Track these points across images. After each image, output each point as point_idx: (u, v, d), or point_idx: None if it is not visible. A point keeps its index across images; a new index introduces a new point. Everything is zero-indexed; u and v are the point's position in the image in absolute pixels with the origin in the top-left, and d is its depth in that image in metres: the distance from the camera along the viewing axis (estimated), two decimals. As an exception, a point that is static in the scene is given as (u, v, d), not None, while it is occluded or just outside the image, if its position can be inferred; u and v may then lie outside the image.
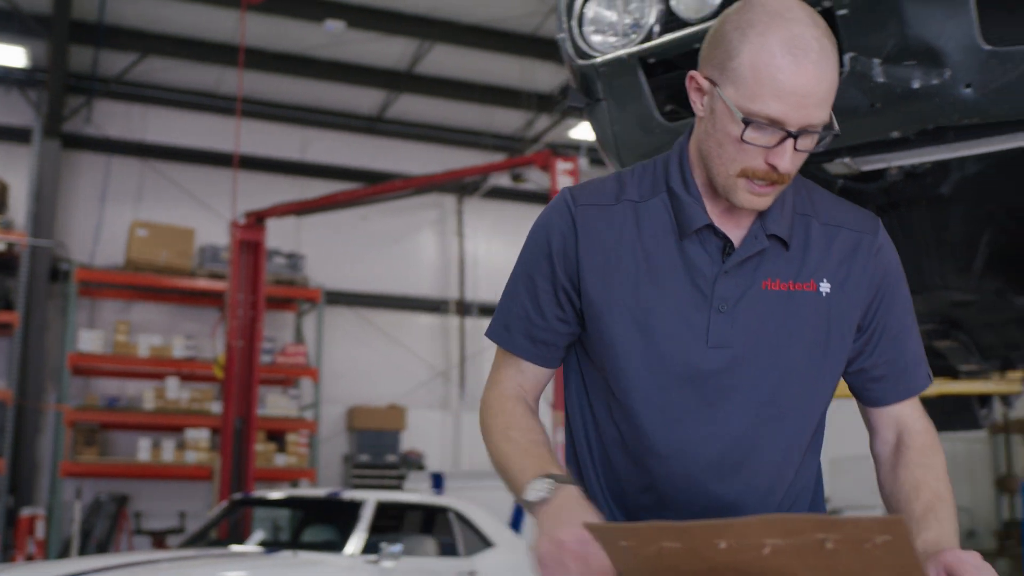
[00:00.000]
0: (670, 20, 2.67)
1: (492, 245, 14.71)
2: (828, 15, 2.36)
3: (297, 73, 12.58)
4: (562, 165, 8.03)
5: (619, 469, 1.76)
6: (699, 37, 2.62)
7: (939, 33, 2.30)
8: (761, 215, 1.68)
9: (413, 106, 13.67)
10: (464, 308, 14.32)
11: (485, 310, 14.35)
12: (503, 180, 12.67)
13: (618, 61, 2.71)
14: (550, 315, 1.76)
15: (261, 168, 13.14)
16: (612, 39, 2.74)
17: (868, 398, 1.80)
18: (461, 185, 13.49)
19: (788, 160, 1.57)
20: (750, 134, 1.56)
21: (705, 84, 1.62)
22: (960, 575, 1.44)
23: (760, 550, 1.17)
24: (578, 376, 1.83)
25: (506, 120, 13.89)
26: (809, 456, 1.78)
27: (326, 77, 12.71)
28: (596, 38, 2.76)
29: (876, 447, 1.80)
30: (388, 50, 12.28)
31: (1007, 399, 5.52)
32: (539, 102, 13.04)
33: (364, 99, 13.45)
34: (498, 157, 14.07)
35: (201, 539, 7.78)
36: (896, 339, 1.76)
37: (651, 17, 2.69)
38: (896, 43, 2.34)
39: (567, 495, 1.57)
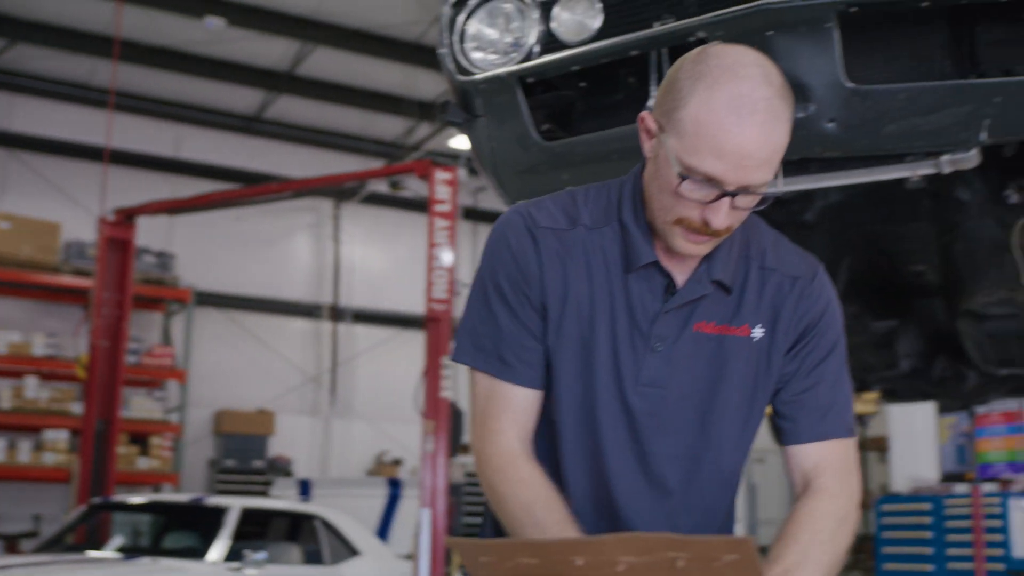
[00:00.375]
0: (550, 41, 2.71)
1: (368, 251, 14.63)
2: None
3: (174, 68, 12.31)
4: (441, 175, 8.05)
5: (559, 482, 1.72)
6: (578, 59, 2.67)
7: (805, 69, 2.39)
8: (709, 259, 1.67)
9: (293, 108, 13.52)
10: (338, 314, 14.20)
11: (359, 316, 14.26)
12: (381, 186, 12.62)
13: (497, 79, 2.74)
14: (539, 336, 1.70)
15: (132, 164, 12.80)
16: (492, 57, 2.78)
17: (780, 436, 1.78)
18: (339, 190, 13.40)
19: (723, 217, 1.55)
20: (686, 187, 1.54)
21: (653, 127, 1.60)
22: None
23: (614, 567, 1.21)
24: None
25: (387, 126, 13.84)
26: (728, 493, 1.78)
27: (203, 74, 12.47)
28: (477, 55, 2.79)
29: (792, 487, 1.77)
30: (269, 50, 12.13)
31: (862, 419, 5.74)
32: (420, 110, 13.04)
33: (242, 98, 13.25)
34: (377, 163, 14.01)
35: (57, 544, 7.57)
36: (814, 381, 1.74)
37: (531, 37, 2.73)
38: (764, 76, 2.42)
39: None
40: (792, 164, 2.61)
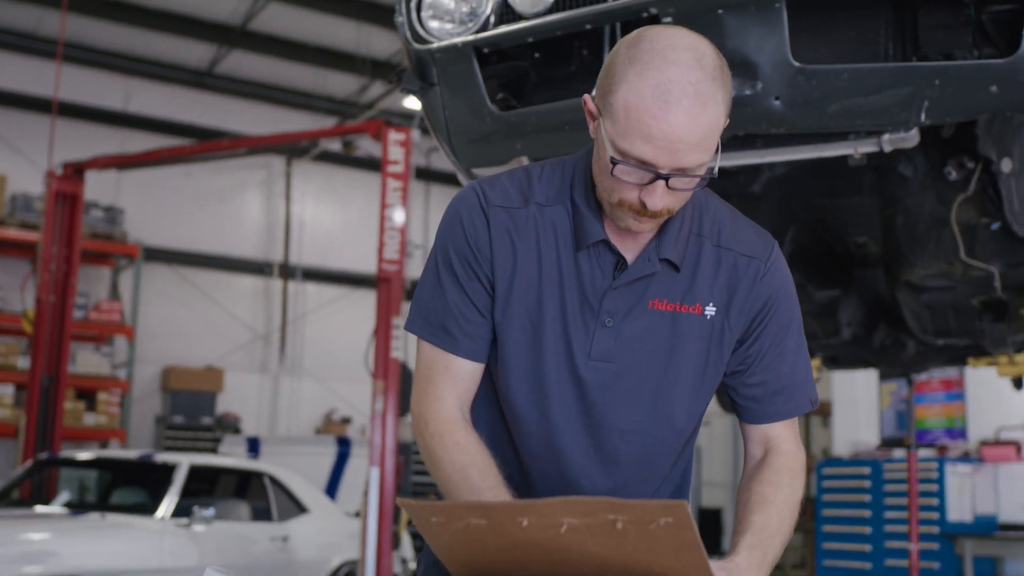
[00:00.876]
0: (506, 12, 2.75)
1: (319, 209, 14.57)
2: (655, 21, 2.49)
3: (124, 20, 12.12)
4: (394, 135, 8.03)
5: (500, 457, 1.76)
6: (533, 31, 2.72)
7: (754, 48, 2.46)
8: (659, 237, 1.69)
9: (245, 63, 13.38)
10: (288, 272, 14.15)
11: (309, 274, 14.23)
12: (334, 145, 12.56)
13: (453, 48, 2.78)
14: (485, 310, 1.74)
15: (81, 116, 12.62)
16: (449, 26, 2.82)
17: (742, 415, 1.84)
18: (291, 147, 13.31)
19: (658, 200, 1.57)
20: (620, 170, 1.57)
21: (593, 110, 1.63)
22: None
23: (558, 528, 1.28)
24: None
25: (340, 84, 13.75)
26: (679, 465, 1.84)
27: (154, 27, 12.29)
28: (433, 24, 2.83)
29: (746, 458, 1.85)
30: (221, 4, 11.97)
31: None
32: (374, 68, 12.96)
33: (193, 52, 13.09)
34: (330, 120, 13.93)
35: (3, 499, 7.55)
36: (774, 362, 1.79)
37: (487, 7, 2.77)
38: (714, 54, 2.48)
39: None
40: (738, 139, 2.68)
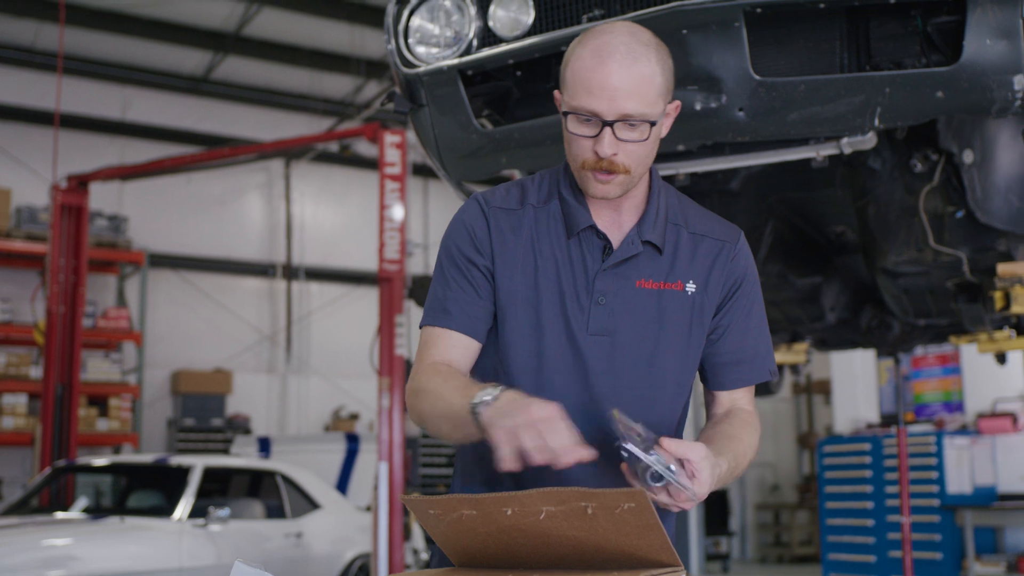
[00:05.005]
0: (487, 36, 2.94)
1: (319, 209, 14.75)
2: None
3: (118, 30, 12.28)
4: (390, 138, 8.21)
5: None
6: (514, 53, 2.91)
7: (717, 64, 2.64)
8: (639, 224, 1.92)
9: (240, 68, 13.55)
10: (291, 272, 14.34)
11: (312, 274, 14.42)
12: (332, 146, 12.75)
13: (439, 71, 2.97)
14: (484, 294, 1.92)
15: (80, 127, 12.80)
16: (435, 51, 3.00)
17: (710, 382, 2.04)
18: (288, 150, 13.48)
19: (607, 146, 1.79)
20: (572, 125, 1.81)
21: (559, 98, 1.88)
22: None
23: (538, 516, 1.49)
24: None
25: (335, 85, 13.91)
26: (673, 432, 2.00)
27: (149, 35, 12.45)
28: (420, 49, 3.01)
29: (708, 413, 2.06)
30: (214, 11, 12.13)
31: (795, 368, 6.07)
32: (368, 68, 13.12)
33: (189, 59, 13.25)
34: (327, 122, 14.08)
35: (22, 507, 7.72)
36: (740, 334, 1.99)
37: (470, 32, 2.95)
38: (681, 70, 2.67)
39: (511, 394, 1.70)
40: (708, 147, 2.87)
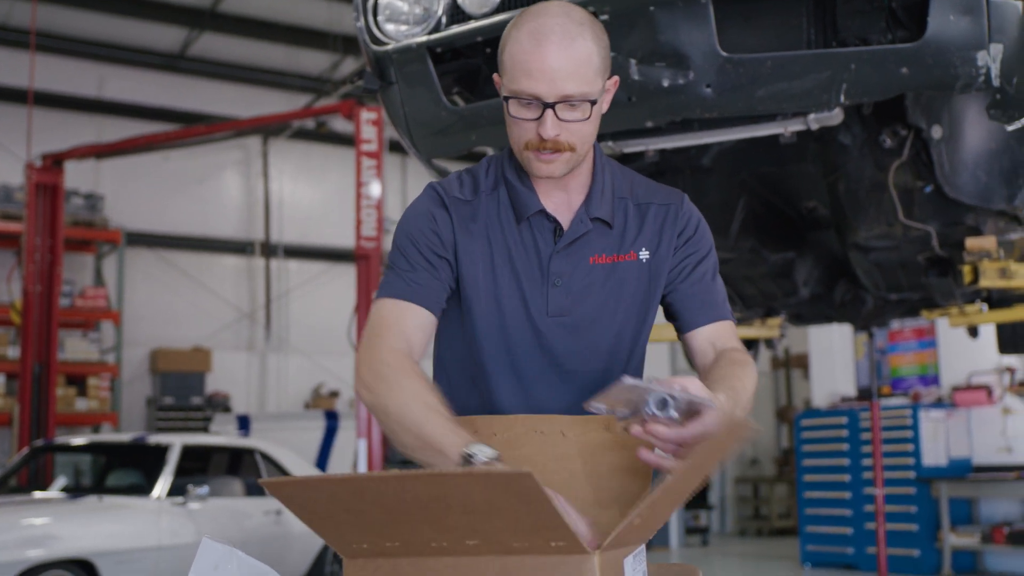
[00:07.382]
0: (456, 13, 2.94)
1: (297, 186, 14.70)
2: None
3: (93, 7, 12.18)
4: (366, 115, 8.20)
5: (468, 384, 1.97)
6: (482, 31, 2.91)
7: (684, 40, 2.65)
8: (586, 201, 1.94)
9: (216, 45, 13.46)
10: (270, 249, 14.31)
11: (291, 251, 14.38)
12: (309, 123, 12.69)
13: (408, 49, 2.97)
14: (444, 278, 1.92)
15: (55, 105, 12.69)
16: (403, 28, 3.00)
17: (683, 326, 2.02)
18: (266, 127, 13.42)
19: (550, 128, 1.80)
20: (515, 109, 1.82)
21: (499, 81, 1.89)
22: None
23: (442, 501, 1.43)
24: (447, 339, 2.02)
25: (312, 61, 13.85)
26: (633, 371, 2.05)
27: (124, 12, 12.36)
28: (389, 27, 3.01)
29: (698, 367, 2.03)
30: (190, -13, 12.08)
31: (770, 343, 6.10)
32: (345, 44, 13.06)
33: (164, 36, 13.16)
34: (304, 98, 14.03)
35: (1, 487, 7.73)
36: (697, 279, 2.00)
37: (439, 9, 2.95)
38: (649, 47, 2.68)
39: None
40: (676, 123, 2.88)
